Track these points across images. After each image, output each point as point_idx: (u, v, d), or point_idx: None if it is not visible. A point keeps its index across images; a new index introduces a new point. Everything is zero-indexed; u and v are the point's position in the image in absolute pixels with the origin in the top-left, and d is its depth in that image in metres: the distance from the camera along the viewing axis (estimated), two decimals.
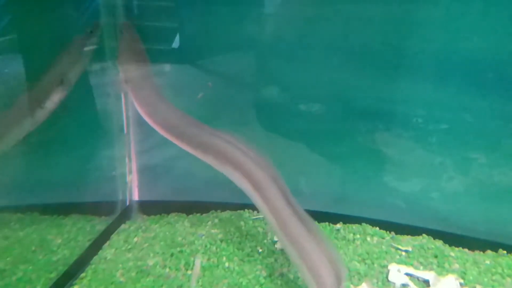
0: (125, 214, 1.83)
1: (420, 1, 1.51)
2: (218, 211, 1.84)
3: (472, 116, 1.59)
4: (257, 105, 1.79)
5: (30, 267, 1.35)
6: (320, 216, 1.71)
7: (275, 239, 1.60)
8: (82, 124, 1.69)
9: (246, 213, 1.82)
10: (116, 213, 1.82)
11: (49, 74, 1.44)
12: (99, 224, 1.70)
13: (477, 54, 1.51)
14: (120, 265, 1.45)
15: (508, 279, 1.38)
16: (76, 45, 1.50)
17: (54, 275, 1.36)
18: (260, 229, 1.69)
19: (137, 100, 1.50)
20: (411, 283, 1.34)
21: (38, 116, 1.38)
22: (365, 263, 1.47)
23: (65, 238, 1.54)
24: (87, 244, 1.57)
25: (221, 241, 1.60)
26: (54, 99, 1.41)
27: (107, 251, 1.56)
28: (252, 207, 1.83)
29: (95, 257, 1.52)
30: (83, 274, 1.41)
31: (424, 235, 1.64)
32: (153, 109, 1.46)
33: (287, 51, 1.70)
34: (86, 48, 1.51)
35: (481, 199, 1.62)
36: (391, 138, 1.71)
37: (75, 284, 1.36)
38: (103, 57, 1.73)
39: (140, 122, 1.79)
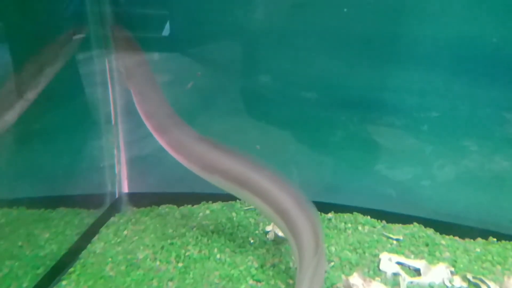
0: (114, 207, 1.81)
1: None
2: (210, 202, 1.82)
3: (463, 104, 1.58)
4: (248, 94, 1.76)
5: (17, 263, 1.32)
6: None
7: (267, 229, 1.59)
8: (68, 115, 1.64)
9: (238, 204, 1.80)
10: (105, 206, 1.79)
11: (27, 68, 1.39)
12: (88, 217, 1.68)
13: (468, 42, 1.49)
14: (110, 259, 1.44)
15: (498, 267, 1.39)
16: (56, 47, 1.45)
17: (41, 271, 1.34)
18: (251, 220, 1.68)
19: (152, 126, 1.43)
20: (402, 272, 1.34)
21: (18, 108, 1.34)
22: (357, 252, 1.47)
23: (52, 232, 1.51)
24: (76, 238, 1.54)
25: (213, 232, 1.59)
26: (33, 93, 1.37)
27: (96, 245, 1.54)
28: None
29: (84, 251, 1.50)
30: (71, 269, 1.39)
31: (415, 223, 1.65)
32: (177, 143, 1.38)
33: (278, 39, 1.66)
34: (66, 50, 1.47)
35: (472, 187, 1.63)
36: (382, 127, 1.70)
37: (63, 279, 1.34)
38: (89, 45, 1.68)
39: (129, 112, 1.76)
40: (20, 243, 1.41)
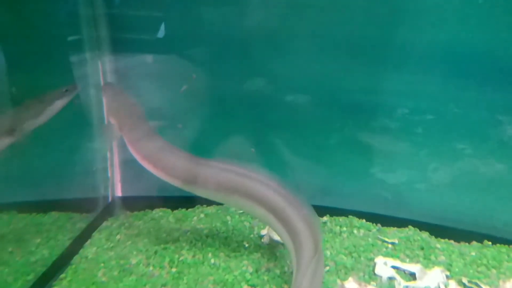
0: (107, 211, 1.78)
1: None
2: (204, 205, 1.81)
3: (458, 107, 1.58)
4: (242, 97, 1.75)
5: (6, 269, 1.30)
6: None
7: (262, 233, 1.58)
8: (60, 117, 1.62)
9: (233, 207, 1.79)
10: (97, 210, 1.77)
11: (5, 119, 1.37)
12: (80, 221, 1.65)
13: (463, 45, 1.49)
14: (102, 264, 1.41)
15: (494, 270, 1.39)
16: (44, 101, 1.44)
17: (32, 277, 1.32)
18: (246, 224, 1.67)
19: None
20: (397, 276, 1.34)
21: None
22: (352, 256, 1.46)
23: (44, 237, 1.49)
24: (67, 243, 1.52)
25: (207, 236, 1.57)
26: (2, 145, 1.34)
27: (88, 250, 1.51)
28: None
29: (76, 257, 1.48)
30: (63, 275, 1.37)
31: (410, 226, 1.64)
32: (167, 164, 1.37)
33: (273, 42, 1.65)
34: (54, 106, 1.45)
35: (467, 190, 1.63)
36: (377, 130, 1.69)
37: (54, 285, 1.32)
38: (81, 47, 1.66)
39: None
40: (10, 249, 1.39)
